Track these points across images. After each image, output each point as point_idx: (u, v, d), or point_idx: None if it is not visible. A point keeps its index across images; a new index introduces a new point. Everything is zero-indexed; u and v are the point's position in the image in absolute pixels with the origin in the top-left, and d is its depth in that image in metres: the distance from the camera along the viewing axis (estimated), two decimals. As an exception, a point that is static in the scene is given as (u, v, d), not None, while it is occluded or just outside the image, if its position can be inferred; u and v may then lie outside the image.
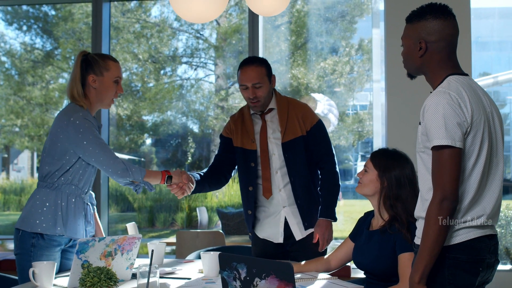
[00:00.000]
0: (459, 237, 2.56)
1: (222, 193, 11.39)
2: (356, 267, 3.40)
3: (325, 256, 3.61)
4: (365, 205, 12.68)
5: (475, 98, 2.60)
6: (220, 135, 4.17)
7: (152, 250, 2.90)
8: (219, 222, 10.91)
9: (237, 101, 11.49)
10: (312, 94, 10.02)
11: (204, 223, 10.16)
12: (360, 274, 6.18)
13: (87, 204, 3.60)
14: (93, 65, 3.58)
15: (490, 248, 2.63)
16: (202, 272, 3.46)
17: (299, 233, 3.97)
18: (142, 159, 12.80)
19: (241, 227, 7.25)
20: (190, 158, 12.32)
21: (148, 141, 12.94)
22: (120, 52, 10.75)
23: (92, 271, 2.83)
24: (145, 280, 2.77)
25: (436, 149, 2.51)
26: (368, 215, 3.42)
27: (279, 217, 3.96)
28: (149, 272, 2.76)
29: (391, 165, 3.23)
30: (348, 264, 6.04)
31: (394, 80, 6.30)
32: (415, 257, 2.67)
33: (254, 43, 6.57)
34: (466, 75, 2.73)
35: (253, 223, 4.02)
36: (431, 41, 2.71)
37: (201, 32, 11.70)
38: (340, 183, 4.07)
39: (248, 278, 2.23)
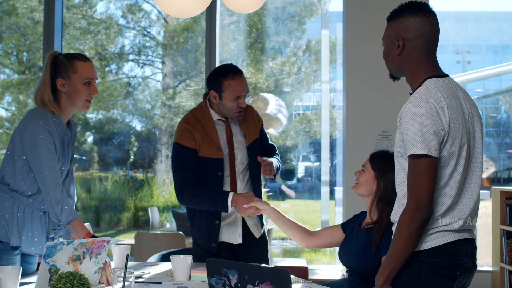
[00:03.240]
0: (435, 241, 2.56)
1: (168, 192, 11.27)
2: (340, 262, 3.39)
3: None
4: (310, 205, 12.74)
5: (453, 104, 2.58)
6: (181, 146, 3.82)
7: (127, 255, 2.80)
8: (166, 222, 10.82)
9: (184, 100, 11.38)
10: (262, 94, 10.00)
11: (156, 223, 10.05)
12: (316, 276, 6.20)
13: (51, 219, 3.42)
14: (60, 68, 3.36)
15: (468, 252, 2.63)
16: (171, 276, 3.37)
17: (257, 231, 3.98)
18: (84, 157, 12.57)
19: (197, 228, 7.15)
20: (132, 156, 12.16)
21: (90, 139, 12.71)
22: (66, 49, 10.50)
23: (64, 277, 2.72)
24: (120, 285, 2.68)
25: (412, 157, 2.50)
26: (363, 214, 3.42)
27: (236, 219, 3.91)
28: (124, 277, 2.67)
29: (389, 168, 3.22)
30: (305, 265, 6.07)
31: (352, 81, 6.32)
32: None
33: (211, 42, 6.50)
34: (446, 75, 2.72)
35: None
36: (409, 39, 2.69)
37: (149, 30, 11.56)
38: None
39: (239, 285, 2.17)
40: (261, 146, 4.05)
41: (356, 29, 6.33)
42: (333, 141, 10.86)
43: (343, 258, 3.33)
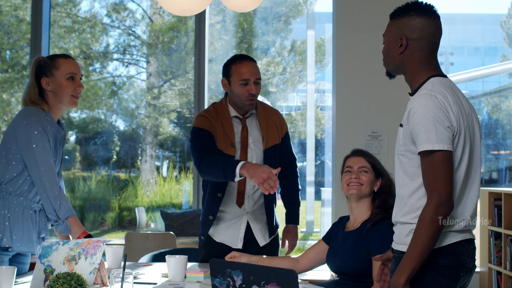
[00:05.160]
0: (440, 241, 2.54)
1: (153, 192, 11.21)
2: (329, 269, 3.38)
3: (293, 256, 3.59)
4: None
5: (457, 102, 2.59)
6: (198, 129, 3.75)
7: (125, 255, 2.77)
8: (150, 222, 10.76)
9: (169, 99, 11.33)
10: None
11: (143, 223, 9.99)
12: (305, 277, 6.18)
13: (43, 217, 3.41)
14: (43, 68, 3.43)
15: (470, 253, 2.63)
16: (166, 277, 3.35)
17: (262, 239, 3.90)
18: (66, 157, 12.47)
19: (185, 228, 7.12)
20: (115, 156, 12.08)
21: (72, 138, 12.61)
22: (51, 47, 10.41)
23: (61, 277, 2.70)
24: (118, 286, 2.66)
25: (426, 153, 2.48)
26: (343, 219, 3.43)
27: (240, 223, 3.85)
28: (123, 277, 2.64)
29: (379, 164, 3.34)
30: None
31: (342, 82, 6.33)
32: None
33: (201, 41, 6.48)
34: (446, 76, 2.72)
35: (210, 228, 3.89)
36: (413, 38, 2.67)
37: (134, 29, 11.49)
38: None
39: (244, 285, 2.15)
40: (280, 154, 3.93)
41: (346, 29, 6.34)
42: (317, 141, 10.86)
43: (333, 264, 3.31)
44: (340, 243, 3.29)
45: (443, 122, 2.48)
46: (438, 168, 2.46)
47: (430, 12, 2.68)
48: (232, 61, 3.79)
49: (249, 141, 3.82)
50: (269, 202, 3.88)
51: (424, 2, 2.72)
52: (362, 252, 3.14)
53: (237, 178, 3.44)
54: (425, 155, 2.49)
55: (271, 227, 3.93)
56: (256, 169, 3.33)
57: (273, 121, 3.90)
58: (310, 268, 3.51)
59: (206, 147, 3.69)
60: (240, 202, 3.83)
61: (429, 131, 2.46)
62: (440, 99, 2.51)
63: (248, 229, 3.87)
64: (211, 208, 3.82)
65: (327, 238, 3.45)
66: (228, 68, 3.79)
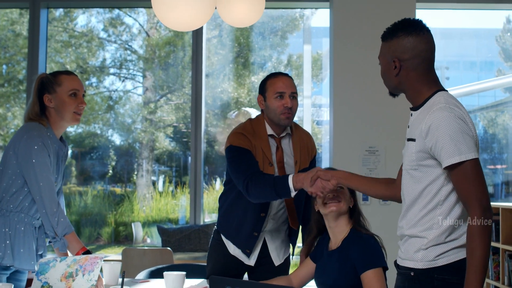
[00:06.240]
0: (448, 258, 2.55)
1: (149, 207, 11.17)
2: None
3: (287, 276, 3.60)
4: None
5: (468, 114, 2.60)
6: (239, 148, 3.62)
7: (124, 272, 2.76)
8: (147, 237, 10.71)
9: (165, 114, 11.31)
10: (245, 108, 9.97)
11: (139, 239, 9.94)
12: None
13: (42, 234, 3.39)
14: (46, 84, 3.42)
15: None
16: (164, 293, 3.33)
17: (277, 258, 3.89)
18: (63, 172, 12.40)
19: (182, 244, 7.08)
20: (111, 171, 12.05)
21: (68, 152, 12.56)
22: (47, 62, 10.41)
23: (59, 295, 2.67)
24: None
25: (457, 165, 2.46)
26: (326, 236, 3.41)
27: (258, 238, 3.83)
28: (121, 295, 2.63)
29: None
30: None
31: (339, 97, 6.33)
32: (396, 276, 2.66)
33: (198, 56, 6.49)
34: (446, 91, 2.72)
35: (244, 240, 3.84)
36: (405, 59, 2.67)
37: (130, 44, 11.49)
38: None
39: (244, 303, 2.13)
40: None
41: (343, 43, 6.35)
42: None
43: (322, 283, 3.31)
44: (326, 262, 3.30)
45: (468, 132, 2.49)
46: (473, 177, 2.46)
47: (419, 29, 2.68)
48: (267, 78, 3.78)
49: (284, 161, 3.77)
50: (295, 225, 3.87)
51: (411, 19, 2.72)
52: (348, 270, 3.14)
53: (293, 193, 3.34)
54: (455, 167, 2.48)
55: (291, 242, 3.94)
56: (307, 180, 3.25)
57: (305, 144, 3.86)
58: (303, 285, 3.53)
59: (250, 167, 3.57)
60: (294, 223, 3.83)
61: (459, 142, 2.45)
62: (458, 111, 2.52)
63: (264, 247, 3.85)
64: (254, 226, 3.76)
65: (314, 255, 3.45)
66: (263, 85, 3.77)
